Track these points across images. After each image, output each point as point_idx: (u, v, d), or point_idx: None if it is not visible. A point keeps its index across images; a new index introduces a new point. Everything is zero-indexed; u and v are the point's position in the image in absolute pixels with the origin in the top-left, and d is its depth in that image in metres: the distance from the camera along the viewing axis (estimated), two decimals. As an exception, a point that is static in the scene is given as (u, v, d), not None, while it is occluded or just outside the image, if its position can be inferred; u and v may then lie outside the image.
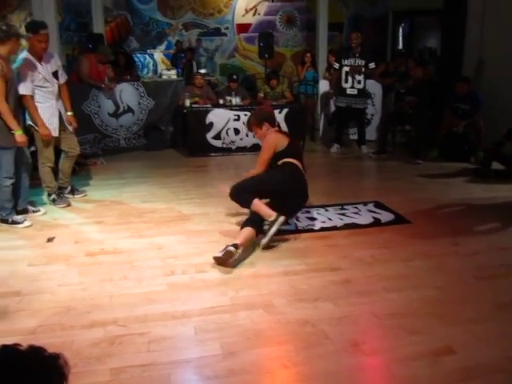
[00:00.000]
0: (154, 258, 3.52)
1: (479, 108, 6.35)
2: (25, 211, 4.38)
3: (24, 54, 4.32)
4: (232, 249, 3.30)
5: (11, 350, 0.92)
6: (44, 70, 4.41)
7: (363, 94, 7.09)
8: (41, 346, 0.96)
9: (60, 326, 2.61)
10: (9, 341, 0.99)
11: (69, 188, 5.03)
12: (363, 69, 6.90)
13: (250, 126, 4.29)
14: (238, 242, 3.38)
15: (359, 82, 6.95)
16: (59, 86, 4.64)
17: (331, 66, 7.69)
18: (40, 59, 4.38)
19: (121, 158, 6.92)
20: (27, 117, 4.47)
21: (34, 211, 4.45)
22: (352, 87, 6.97)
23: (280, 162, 3.90)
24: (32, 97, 4.33)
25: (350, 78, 6.94)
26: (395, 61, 7.77)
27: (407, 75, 7.09)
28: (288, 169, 3.86)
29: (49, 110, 4.49)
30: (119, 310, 2.79)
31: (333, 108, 7.73)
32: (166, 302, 2.88)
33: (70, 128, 4.78)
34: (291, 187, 3.79)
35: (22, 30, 4.61)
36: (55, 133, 4.56)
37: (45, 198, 4.90)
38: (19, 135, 4.03)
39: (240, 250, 3.38)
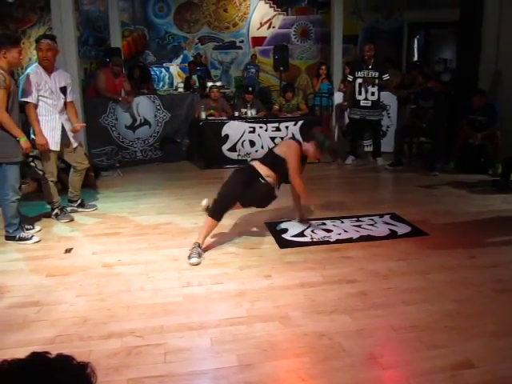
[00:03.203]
0: (170, 269, 3.53)
1: (496, 120, 6.30)
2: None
3: (34, 65, 4.48)
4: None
5: (41, 357, 0.94)
6: (51, 82, 4.49)
7: (377, 105, 7.06)
8: (69, 355, 0.98)
9: (78, 337, 2.63)
10: (28, 350, 1.00)
11: (79, 201, 5.03)
12: (377, 80, 6.89)
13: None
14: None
15: (373, 93, 6.93)
16: (66, 103, 4.67)
17: (346, 78, 7.71)
18: (50, 72, 4.47)
19: (137, 170, 6.99)
20: (31, 130, 4.48)
21: (27, 229, 4.33)
22: (366, 99, 6.94)
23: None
24: (34, 105, 4.38)
25: (363, 90, 6.94)
26: (410, 73, 7.76)
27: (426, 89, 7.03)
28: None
29: (50, 124, 4.50)
30: (136, 320, 2.80)
31: (347, 120, 7.73)
32: (183, 313, 2.88)
33: (75, 143, 4.75)
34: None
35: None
36: (55, 146, 4.55)
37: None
38: (24, 142, 4.01)
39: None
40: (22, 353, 0.99)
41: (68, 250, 3.92)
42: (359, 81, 6.93)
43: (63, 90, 4.60)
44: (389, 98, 7.64)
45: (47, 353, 0.96)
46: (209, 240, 4.10)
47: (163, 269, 3.54)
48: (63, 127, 4.61)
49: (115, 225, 4.59)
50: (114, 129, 7.17)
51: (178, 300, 3.05)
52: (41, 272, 3.51)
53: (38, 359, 0.93)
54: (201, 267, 3.55)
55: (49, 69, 4.46)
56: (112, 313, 2.90)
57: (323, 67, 8.46)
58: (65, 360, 0.95)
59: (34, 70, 4.38)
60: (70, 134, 4.69)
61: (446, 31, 11.42)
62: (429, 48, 11.99)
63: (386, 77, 6.93)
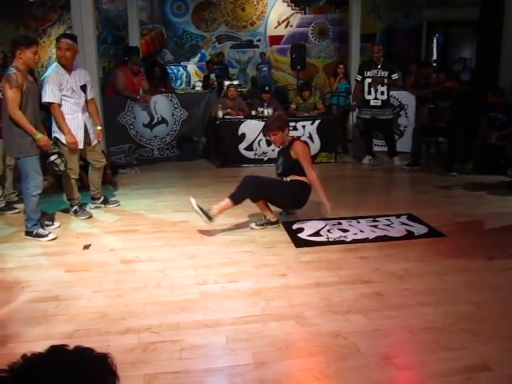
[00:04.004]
0: (186, 267, 3.57)
1: (516, 119, 6.21)
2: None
3: (54, 65, 4.50)
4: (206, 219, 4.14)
5: (60, 350, 0.97)
6: (72, 81, 4.52)
7: (387, 104, 7.02)
8: (88, 347, 1.00)
9: (96, 332, 2.68)
10: (47, 344, 1.02)
11: (101, 198, 5.11)
12: (386, 80, 6.86)
13: (272, 127, 4.35)
14: (214, 212, 4.17)
15: (382, 93, 6.89)
16: (87, 101, 4.72)
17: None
18: (69, 71, 4.50)
19: (154, 168, 7.05)
20: (53, 129, 4.54)
21: (47, 225, 4.39)
22: (375, 99, 6.90)
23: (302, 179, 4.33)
24: (59, 105, 4.43)
25: (372, 90, 6.91)
26: (419, 70, 7.68)
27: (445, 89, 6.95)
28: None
29: (74, 122, 4.54)
30: (153, 317, 2.84)
31: (355, 119, 7.72)
32: (198, 310, 2.91)
33: (95, 141, 4.81)
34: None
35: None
36: (80, 145, 4.61)
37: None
38: (39, 139, 4.00)
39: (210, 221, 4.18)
40: (41, 346, 1.01)
41: (86, 247, 3.99)
42: (368, 81, 6.91)
43: (83, 87, 4.64)
44: (407, 98, 7.59)
45: (65, 345, 0.98)
46: (225, 238, 4.14)
47: (179, 266, 3.58)
48: (85, 125, 4.67)
49: (132, 222, 4.65)
50: (131, 127, 7.24)
51: (194, 297, 3.08)
52: (60, 267, 3.58)
53: (58, 352, 0.96)
54: (216, 265, 3.58)
55: (68, 67, 4.49)
56: (129, 309, 2.94)
57: (341, 66, 8.42)
58: (85, 351, 0.98)
59: (54, 70, 4.42)
60: (91, 132, 4.75)
61: (466, 30, 11.30)
62: (448, 47, 11.87)
63: (395, 76, 6.91)
